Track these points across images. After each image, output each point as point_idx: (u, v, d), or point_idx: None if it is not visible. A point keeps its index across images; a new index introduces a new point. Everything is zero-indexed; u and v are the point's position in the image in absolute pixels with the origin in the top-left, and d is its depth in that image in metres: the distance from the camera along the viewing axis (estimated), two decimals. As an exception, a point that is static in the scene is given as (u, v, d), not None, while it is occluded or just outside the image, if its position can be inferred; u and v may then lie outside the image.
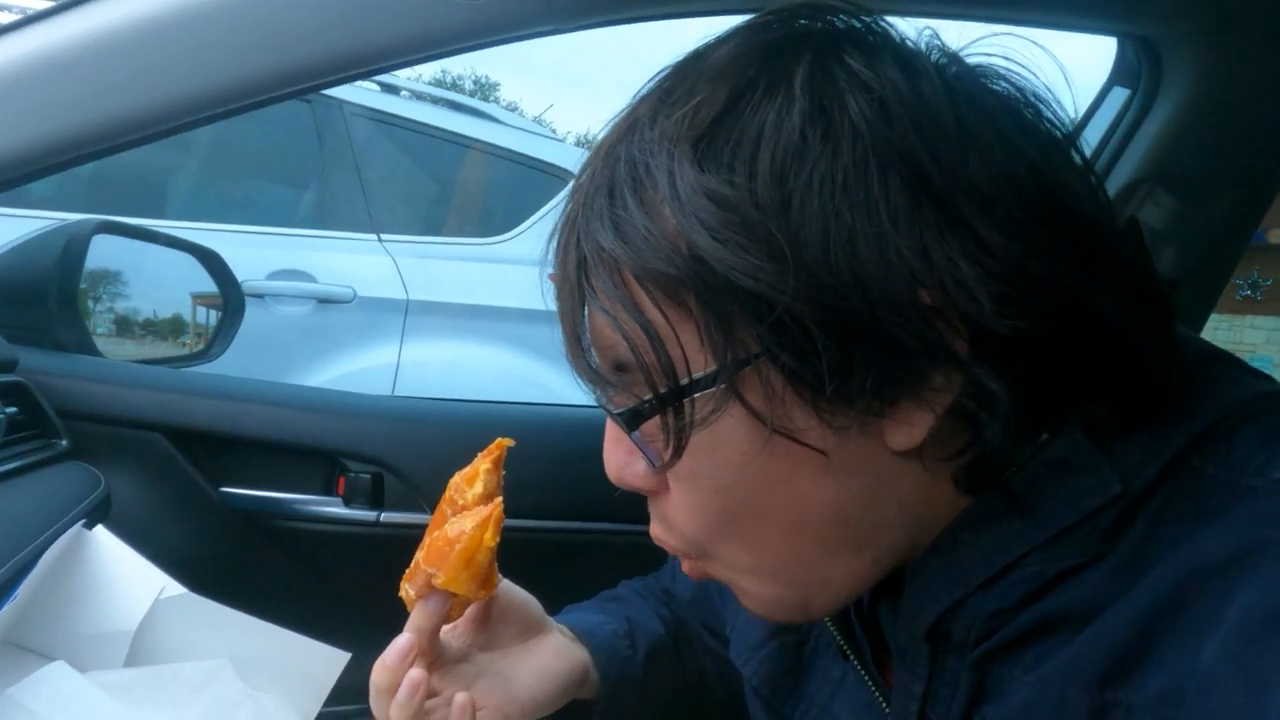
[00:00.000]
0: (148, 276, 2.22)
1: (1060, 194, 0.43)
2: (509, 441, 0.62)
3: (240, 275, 2.37)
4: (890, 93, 0.41)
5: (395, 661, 0.61)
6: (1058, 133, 0.46)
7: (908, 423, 0.43)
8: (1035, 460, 0.45)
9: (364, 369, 2.49)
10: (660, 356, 0.43)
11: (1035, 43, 0.47)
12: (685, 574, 0.56)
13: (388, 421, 1.12)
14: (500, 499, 0.59)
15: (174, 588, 0.74)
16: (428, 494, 1.08)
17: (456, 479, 0.61)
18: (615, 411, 0.46)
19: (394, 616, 0.65)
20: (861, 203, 0.40)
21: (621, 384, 0.46)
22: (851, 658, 0.59)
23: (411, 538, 1.07)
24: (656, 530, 0.53)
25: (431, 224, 3.00)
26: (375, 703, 0.62)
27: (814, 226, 0.40)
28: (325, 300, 2.51)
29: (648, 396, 0.44)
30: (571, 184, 0.49)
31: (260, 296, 2.44)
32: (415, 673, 0.61)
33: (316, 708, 0.74)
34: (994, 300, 0.40)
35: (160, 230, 1.41)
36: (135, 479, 1.02)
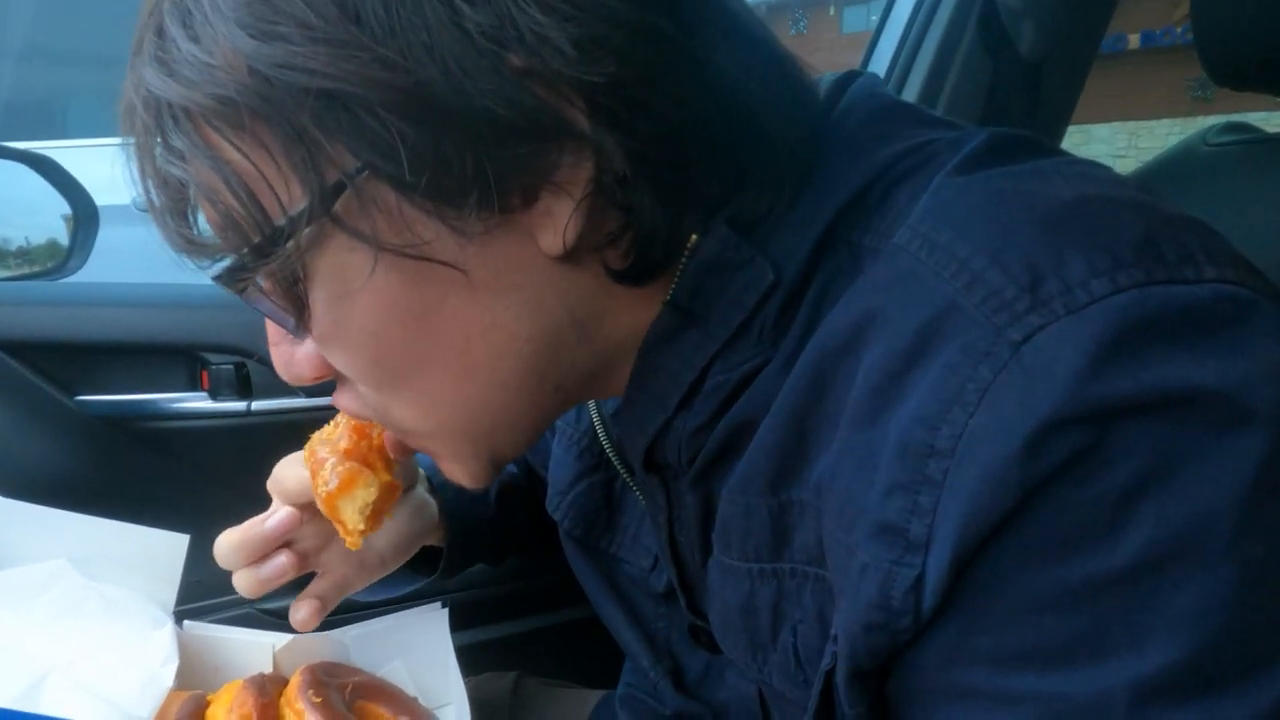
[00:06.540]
0: (-2, 198, 2.08)
1: None
2: None
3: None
4: None
5: (277, 533, 0.63)
6: None
7: (549, 214, 0.40)
8: (690, 266, 0.42)
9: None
10: (246, 202, 0.38)
11: None
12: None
13: (247, 310, 1.08)
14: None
15: (-12, 497, 0.72)
16: (296, 378, 1.06)
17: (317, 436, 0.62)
18: (212, 276, 0.41)
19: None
20: None
21: (224, 247, 0.41)
22: (634, 487, 0.59)
23: (285, 423, 1.06)
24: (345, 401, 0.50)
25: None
26: (231, 553, 0.63)
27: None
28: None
29: (244, 250, 0.40)
30: None
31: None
32: (288, 557, 0.63)
33: (171, 593, 0.73)
34: (574, 44, 0.36)
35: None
36: (-21, 401, 0.98)
